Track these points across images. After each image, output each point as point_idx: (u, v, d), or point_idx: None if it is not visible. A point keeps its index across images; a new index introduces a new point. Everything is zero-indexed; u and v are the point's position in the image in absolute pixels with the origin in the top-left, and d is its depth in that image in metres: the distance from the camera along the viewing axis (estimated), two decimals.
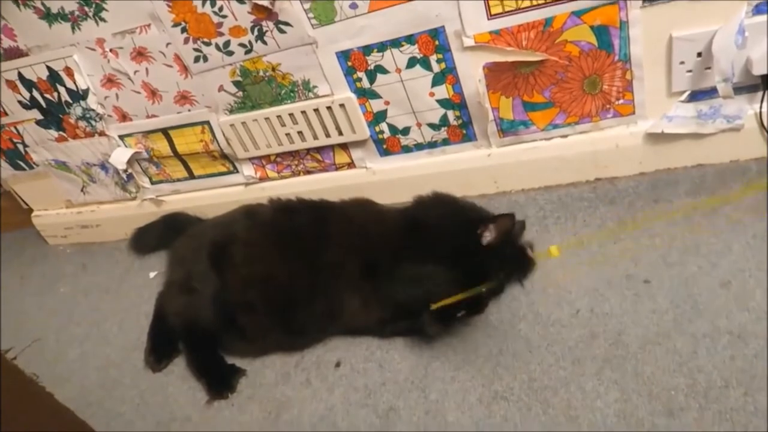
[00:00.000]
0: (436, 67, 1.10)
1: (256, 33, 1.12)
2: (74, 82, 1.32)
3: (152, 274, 1.42)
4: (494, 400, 0.88)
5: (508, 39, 1.03)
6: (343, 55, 1.13)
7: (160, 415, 1.07)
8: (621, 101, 1.08)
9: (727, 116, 1.04)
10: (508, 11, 1.00)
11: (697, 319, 0.88)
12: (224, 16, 1.11)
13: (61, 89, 1.35)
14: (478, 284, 0.92)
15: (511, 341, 0.95)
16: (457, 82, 1.11)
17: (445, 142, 1.22)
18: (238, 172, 1.41)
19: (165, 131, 1.36)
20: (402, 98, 1.17)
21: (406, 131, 1.23)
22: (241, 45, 1.15)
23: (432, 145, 1.24)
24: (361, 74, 1.15)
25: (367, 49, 1.11)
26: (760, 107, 1.02)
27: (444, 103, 1.15)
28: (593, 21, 0.99)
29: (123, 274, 1.49)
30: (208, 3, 1.10)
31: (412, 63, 1.11)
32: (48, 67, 1.31)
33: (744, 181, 1.05)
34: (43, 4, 1.19)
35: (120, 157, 1.42)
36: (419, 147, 1.25)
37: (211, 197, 1.47)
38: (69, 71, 1.30)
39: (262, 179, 1.41)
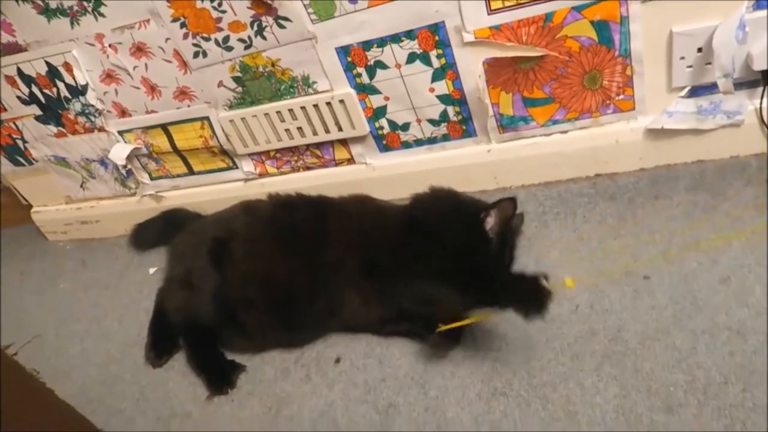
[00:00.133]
0: (436, 63, 1.10)
1: (255, 28, 1.12)
2: (73, 78, 1.32)
3: (152, 270, 1.42)
4: (494, 396, 0.89)
5: (508, 34, 1.03)
6: (343, 51, 1.13)
7: (160, 411, 1.08)
8: (621, 97, 1.08)
9: (728, 112, 1.04)
10: (508, 6, 1.00)
11: (696, 315, 0.88)
12: (223, 11, 1.11)
13: (60, 85, 1.34)
14: (488, 299, 0.90)
15: (510, 337, 0.95)
16: (457, 77, 1.11)
17: (445, 137, 1.22)
18: (237, 167, 1.41)
19: (164, 127, 1.36)
20: (402, 94, 1.16)
21: (405, 127, 1.22)
22: (241, 40, 1.14)
23: (432, 140, 1.23)
24: (360, 70, 1.15)
25: (366, 45, 1.11)
26: (761, 103, 1.02)
27: (444, 98, 1.15)
28: (593, 16, 0.99)
29: (123, 270, 1.49)
30: None
31: (411, 58, 1.11)
32: (47, 63, 1.31)
33: (744, 177, 1.04)
34: None
35: (119, 152, 1.41)
36: (419, 143, 1.25)
37: (211, 193, 1.47)
38: (68, 67, 1.30)
39: (261, 175, 1.41)
